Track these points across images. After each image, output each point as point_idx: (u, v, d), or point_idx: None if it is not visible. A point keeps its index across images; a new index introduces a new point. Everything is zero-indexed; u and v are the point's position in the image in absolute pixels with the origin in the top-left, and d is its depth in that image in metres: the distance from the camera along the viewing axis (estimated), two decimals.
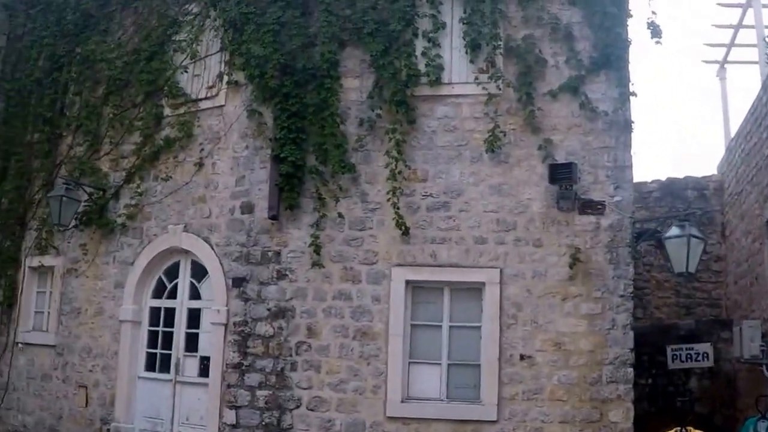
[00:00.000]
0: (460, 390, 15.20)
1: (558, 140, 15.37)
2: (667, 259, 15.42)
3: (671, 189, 22.64)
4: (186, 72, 18.03)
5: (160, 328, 17.59)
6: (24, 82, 20.67)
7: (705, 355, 19.93)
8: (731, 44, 23.78)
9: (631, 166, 15.31)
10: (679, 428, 13.79)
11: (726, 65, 24.64)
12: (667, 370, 20.62)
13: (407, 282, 15.46)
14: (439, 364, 15.29)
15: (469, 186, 15.50)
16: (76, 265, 18.82)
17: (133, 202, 18.13)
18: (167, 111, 18.12)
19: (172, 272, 17.77)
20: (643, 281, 22.13)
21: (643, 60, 41.06)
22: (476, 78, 15.63)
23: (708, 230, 22.29)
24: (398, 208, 15.39)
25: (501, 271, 15.18)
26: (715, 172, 23.43)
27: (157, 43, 18.52)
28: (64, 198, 17.81)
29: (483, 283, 15.20)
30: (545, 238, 15.23)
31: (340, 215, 15.86)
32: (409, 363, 15.35)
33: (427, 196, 15.62)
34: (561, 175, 14.95)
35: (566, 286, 14.97)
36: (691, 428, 13.79)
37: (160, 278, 17.90)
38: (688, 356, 20.00)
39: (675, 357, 20.12)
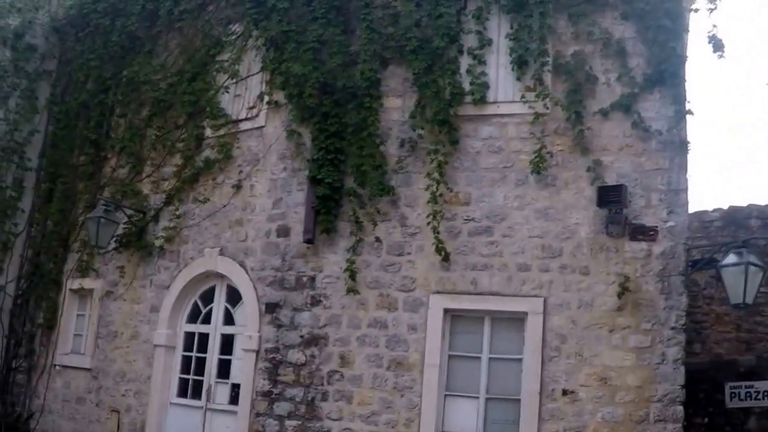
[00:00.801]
0: (497, 425, 13.66)
1: (608, 162, 13.72)
2: (724, 290, 13.53)
3: (734, 217, 20.59)
4: (227, 92, 16.77)
5: (194, 354, 16.41)
6: (71, 105, 19.67)
7: (766, 393, 18.13)
8: None
9: (686, 190, 13.51)
10: None
11: None
12: (725, 408, 18.80)
13: (445, 310, 13.95)
14: (477, 397, 13.74)
15: (513, 210, 13.96)
16: (114, 288, 17.72)
17: (171, 224, 16.87)
18: (208, 132, 16.91)
19: (208, 297, 16.49)
20: (702, 314, 20.20)
21: (710, 82, 38.78)
22: (523, 96, 14.11)
23: None
24: (438, 233, 14.01)
25: (545, 300, 13.58)
26: None
27: (200, 64, 17.28)
28: (102, 219, 16.63)
29: (525, 313, 13.62)
30: (593, 265, 13.51)
31: (378, 239, 14.55)
32: (445, 396, 13.81)
33: (469, 220, 14.12)
34: (610, 198, 13.26)
35: (614, 317, 13.27)
36: None
37: (195, 302, 16.61)
38: (748, 395, 18.18)
39: (734, 395, 18.32)
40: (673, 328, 12.99)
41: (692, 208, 20.86)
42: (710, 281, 19.69)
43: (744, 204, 20.76)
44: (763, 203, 20.65)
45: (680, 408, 12.83)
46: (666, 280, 13.15)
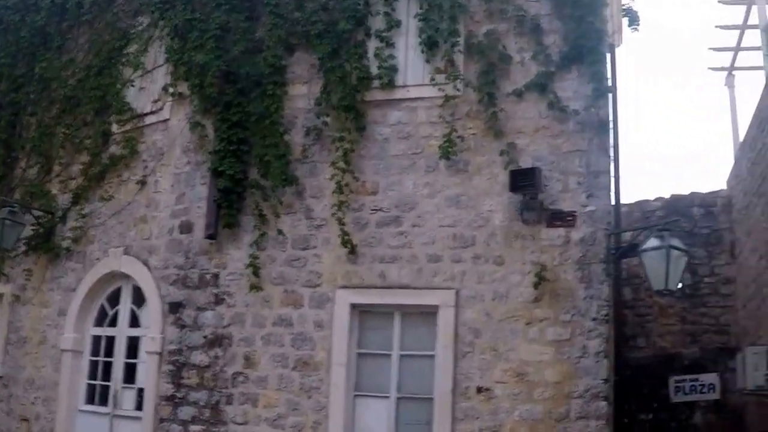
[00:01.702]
0: (410, 427, 11.99)
1: (523, 145, 12.14)
2: (646, 276, 11.92)
3: (676, 207, 19.03)
4: (133, 86, 14.97)
5: (101, 358, 14.61)
6: None
7: (711, 386, 16.70)
8: (737, 47, 20.00)
9: (607, 172, 12.02)
10: None
11: (734, 72, 20.67)
12: (671, 403, 17.27)
13: (353, 306, 12.30)
14: (388, 397, 12.12)
15: (423, 198, 12.36)
16: (23, 292, 15.87)
17: (78, 224, 15.07)
18: (114, 128, 15.13)
19: (115, 298, 14.72)
20: (646, 307, 18.65)
21: (650, 73, 37.22)
22: (433, 79, 12.55)
23: (716, 250, 18.98)
24: (344, 224, 12.37)
25: (457, 293, 11.94)
26: (724, 187, 19.73)
27: (107, 58, 15.46)
28: (6, 221, 14.70)
29: (437, 307, 11.97)
30: (507, 254, 11.90)
31: (281, 233, 12.82)
32: (354, 396, 12.22)
33: (377, 210, 12.51)
34: (523, 182, 11.69)
35: (531, 309, 11.68)
36: None
37: (102, 305, 14.81)
38: (693, 388, 16.81)
39: (678, 389, 16.92)
40: (594, 319, 11.42)
41: (633, 198, 19.41)
42: None
43: (686, 192, 19.23)
44: (705, 191, 19.11)
45: (604, 404, 11.22)
46: (586, 269, 11.57)
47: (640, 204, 18.81)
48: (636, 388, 17.36)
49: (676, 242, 11.38)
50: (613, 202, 13.90)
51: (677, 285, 11.51)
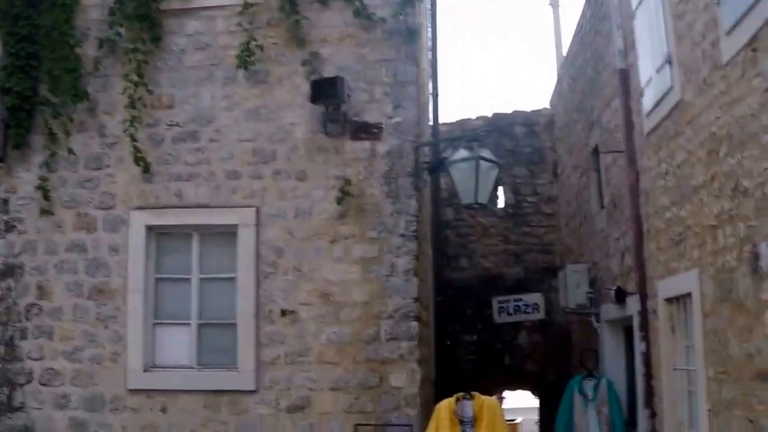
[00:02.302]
0: (213, 355, 10.96)
1: (327, 54, 11.04)
2: (455, 189, 10.95)
3: (498, 125, 17.99)
4: None
5: None
6: None
7: (535, 306, 16.00)
8: None
9: (414, 82, 11.01)
10: (462, 394, 9.39)
11: None
12: (495, 324, 16.49)
13: (149, 228, 11.07)
14: (189, 324, 11.02)
15: (221, 112, 11.15)
16: None
17: None
18: None
19: None
20: (468, 227, 17.71)
21: None
22: None
23: (538, 169, 18.11)
24: (137, 141, 11.07)
25: (257, 211, 10.89)
26: (547, 106, 18.84)
27: None
28: None
29: (236, 226, 10.92)
30: (310, 169, 10.88)
31: (72, 152, 11.38)
32: (153, 324, 11.06)
33: (173, 125, 11.23)
34: (325, 92, 10.59)
35: (335, 226, 10.73)
36: (477, 393, 9.44)
37: None
38: (517, 308, 16.11)
39: (502, 310, 16.18)
40: (402, 236, 10.54)
41: (455, 116, 18.42)
42: None
43: (509, 111, 18.29)
44: (528, 110, 18.20)
45: (414, 324, 10.41)
46: (393, 183, 10.69)
47: (462, 123, 17.72)
48: (459, 309, 16.59)
49: (486, 153, 10.47)
50: (431, 119, 13.06)
51: (487, 198, 10.57)
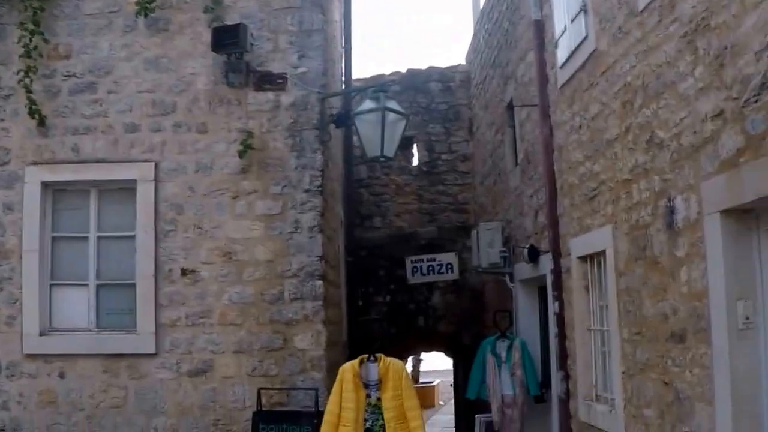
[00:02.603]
0: (111, 316, 10.27)
1: (230, 1, 10.34)
2: (360, 141, 10.34)
3: (413, 82, 17.38)
4: None
5: None
6: None
7: (449, 266, 15.43)
8: None
9: (320, 30, 10.35)
10: (366, 356, 8.83)
11: None
12: (408, 284, 15.94)
13: (45, 184, 10.31)
14: (87, 285, 10.32)
15: (120, 62, 10.37)
16: None
17: None
18: None
19: None
20: (381, 186, 17.08)
21: None
22: None
23: (454, 126, 17.45)
24: (32, 93, 10.26)
25: (157, 165, 10.19)
26: (463, 62, 18.19)
27: None
28: None
29: (135, 181, 10.22)
30: (211, 121, 10.19)
31: None
32: (50, 285, 10.34)
33: (70, 76, 10.43)
34: (227, 40, 9.90)
35: (237, 181, 10.09)
36: (382, 355, 8.90)
37: None
38: (431, 268, 15.53)
39: (415, 270, 15.61)
40: (307, 191, 9.98)
41: (369, 72, 17.74)
42: None
43: (424, 67, 17.66)
44: (444, 66, 17.56)
45: (320, 283, 9.87)
46: (298, 136, 10.09)
47: (375, 78, 16.90)
48: (372, 270, 16.05)
49: (393, 104, 9.83)
50: (343, 75, 12.45)
51: (394, 152, 9.91)
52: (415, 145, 17.04)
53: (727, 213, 5.36)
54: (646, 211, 6.82)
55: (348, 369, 8.92)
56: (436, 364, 32.03)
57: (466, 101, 17.07)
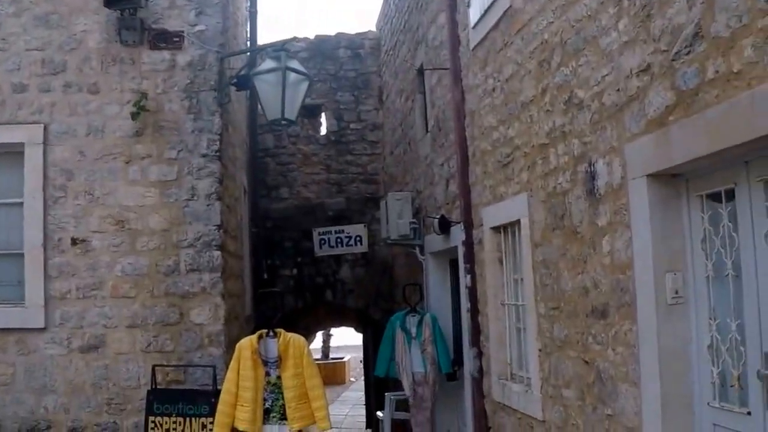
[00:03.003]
0: (1, 289, 9.40)
1: None
2: (260, 103, 9.55)
3: (321, 48, 16.55)
4: None
5: None
6: None
7: (358, 238, 14.78)
8: None
9: None
10: (265, 331, 8.09)
11: None
12: (316, 257, 15.25)
13: None
14: None
15: (7, 18, 9.42)
16: None
17: None
18: None
19: None
20: (288, 155, 16.25)
21: None
22: None
23: (363, 95, 16.67)
24: None
25: (45, 128, 9.29)
26: (373, 29, 17.46)
27: None
28: None
29: (22, 144, 9.31)
30: (103, 81, 9.34)
31: None
32: None
33: None
34: None
35: (131, 145, 9.27)
36: (282, 330, 8.13)
37: None
38: (339, 241, 14.86)
39: (323, 242, 14.92)
40: (204, 155, 9.24)
41: (274, 37, 16.89)
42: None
43: (332, 33, 16.91)
44: (353, 32, 16.85)
45: (217, 254, 9.16)
46: (195, 97, 9.35)
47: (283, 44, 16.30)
48: (279, 241, 15.35)
49: (294, 64, 9.08)
50: (248, 40, 11.78)
51: (296, 115, 9.16)
52: (323, 114, 16.26)
53: (654, 177, 4.81)
54: (564, 177, 6.23)
55: (246, 345, 8.16)
56: (347, 339, 31.31)
57: (376, 69, 16.34)
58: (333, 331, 32.50)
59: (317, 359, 35.23)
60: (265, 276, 13.76)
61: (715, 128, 4.05)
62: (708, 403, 4.65)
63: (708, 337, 4.65)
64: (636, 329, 5.00)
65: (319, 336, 30.54)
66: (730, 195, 4.39)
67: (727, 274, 4.43)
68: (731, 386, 4.43)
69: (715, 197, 4.55)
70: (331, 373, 33.28)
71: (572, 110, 6.01)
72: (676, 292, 4.78)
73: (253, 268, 12.84)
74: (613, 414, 5.41)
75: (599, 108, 5.50)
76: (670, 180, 4.79)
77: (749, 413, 4.26)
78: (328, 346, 36.35)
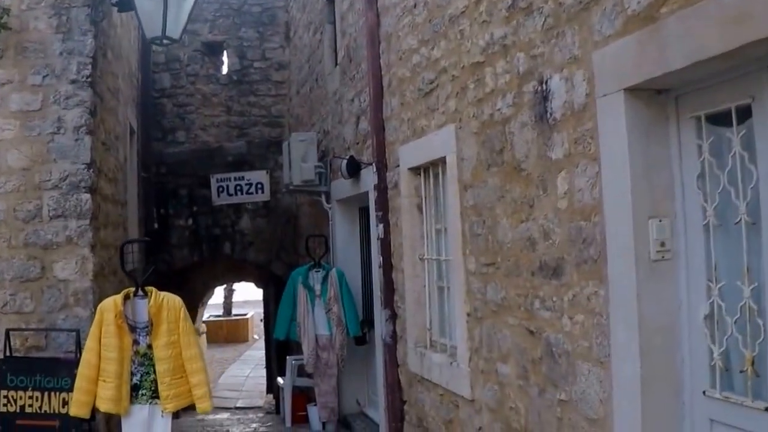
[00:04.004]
0: None
1: None
2: (138, 21, 8.11)
3: None
4: None
5: None
6: None
7: (259, 186, 13.58)
8: None
9: None
10: (132, 290, 6.80)
11: None
12: (213, 206, 13.91)
13: None
14: None
15: None
16: None
17: None
18: None
19: None
20: (187, 95, 14.78)
21: None
22: None
23: (268, 31, 15.21)
24: None
25: None
26: None
27: None
28: None
29: None
30: None
31: None
32: None
33: None
34: None
35: None
36: (153, 289, 6.77)
37: None
38: (238, 188, 13.67)
39: (221, 190, 13.68)
40: (74, 82, 7.81)
41: None
42: (194, 55, 14.68)
43: None
44: None
45: (87, 197, 7.78)
46: (65, 14, 7.90)
47: None
48: (173, 189, 14.07)
49: None
50: None
51: (180, 33, 7.81)
52: (225, 52, 14.89)
53: (633, 93, 3.61)
54: (505, 102, 5.00)
55: (109, 307, 6.63)
56: (252, 293, 29.74)
57: (283, 3, 15.01)
58: (236, 285, 31.03)
59: (218, 315, 33.99)
60: (156, 226, 12.46)
61: (737, 16, 2.83)
62: (704, 392, 3.53)
63: (705, 305, 3.51)
64: (605, 293, 3.83)
65: (220, 290, 29.09)
66: (744, 114, 3.23)
67: (739, 221, 3.28)
68: (741, 371, 3.31)
69: (718, 119, 3.40)
70: (234, 331, 32.12)
71: (517, 17, 4.79)
72: (662, 245, 3.63)
73: (143, 217, 11.50)
74: (569, 400, 4.24)
75: (555, 10, 4.30)
76: (654, 97, 3.63)
77: (767, 409, 3.14)
78: (231, 302, 34.91)
